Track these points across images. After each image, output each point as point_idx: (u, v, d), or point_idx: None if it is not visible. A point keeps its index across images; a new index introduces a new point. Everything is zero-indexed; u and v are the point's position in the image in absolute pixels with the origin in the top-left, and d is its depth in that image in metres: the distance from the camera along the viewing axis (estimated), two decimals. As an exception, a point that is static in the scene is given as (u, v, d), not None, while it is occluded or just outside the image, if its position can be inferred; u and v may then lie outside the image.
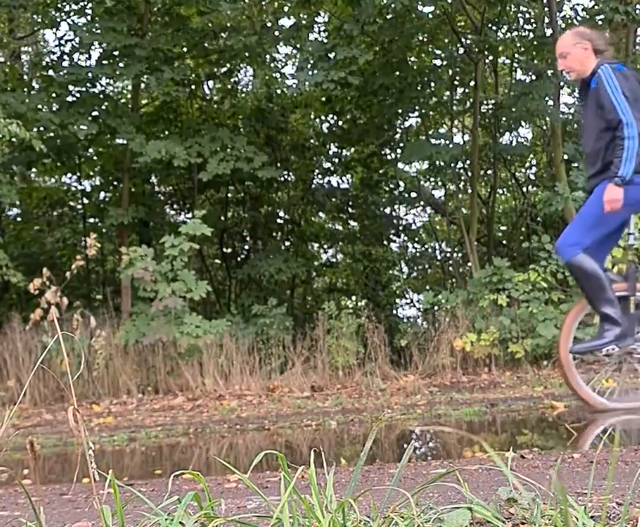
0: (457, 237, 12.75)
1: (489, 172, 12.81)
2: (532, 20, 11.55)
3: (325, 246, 13.51)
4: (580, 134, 4.24)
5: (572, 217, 9.20)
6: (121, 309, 9.31)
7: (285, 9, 10.82)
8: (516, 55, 12.26)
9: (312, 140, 12.35)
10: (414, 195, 13.14)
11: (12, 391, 7.07)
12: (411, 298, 13.11)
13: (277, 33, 10.17)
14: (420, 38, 11.20)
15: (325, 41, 10.37)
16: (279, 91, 11.92)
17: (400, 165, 12.33)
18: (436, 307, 9.15)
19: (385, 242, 13.07)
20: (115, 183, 11.74)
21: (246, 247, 12.94)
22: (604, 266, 4.28)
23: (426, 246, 13.99)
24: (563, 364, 4.39)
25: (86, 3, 9.97)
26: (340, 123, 12.45)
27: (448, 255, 13.17)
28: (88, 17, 10.05)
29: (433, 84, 11.44)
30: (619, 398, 4.37)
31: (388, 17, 9.83)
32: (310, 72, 9.07)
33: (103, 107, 10.09)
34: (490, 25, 10.84)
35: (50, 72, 10.21)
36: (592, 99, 4.09)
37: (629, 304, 4.22)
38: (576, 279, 4.28)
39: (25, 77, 11.38)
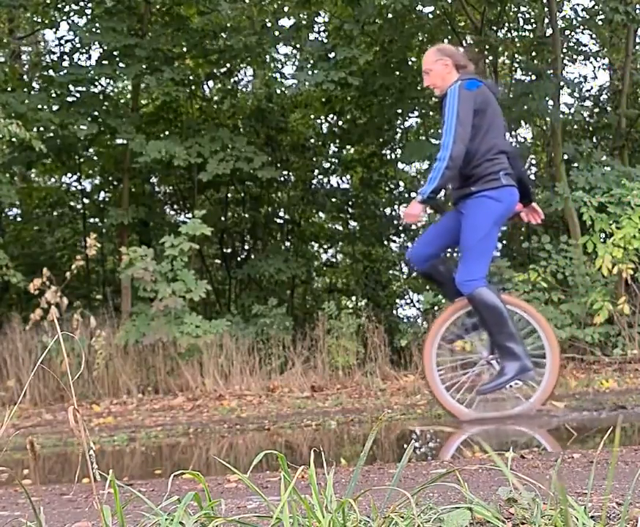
0: (457, 237, 12.73)
1: (489, 172, 12.79)
2: (532, 20, 11.55)
3: (325, 246, 13.51)
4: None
5: (573, 216, 9.26)
6: (121, 309, 9.32)
7: (285, 9, 10.82)
8: (516, 56, 12.26)
9: (312, 140, 12.35)
10: (414, 195, 13.13)
11: (12, 391, 7.07)
12: (411, 299, 13.11)
13: (277, 33, 10.16)
14: (420, 38, 11.20)
15: (325, 41, 10.37)
16: (279, 91, 11.92)
17: (400, 165, 12.33)
18: (436, 307, 9.14)
19: (385, 242, 13.06)
20: (115, 183, 11.74)
21: (246, 247, 12.94)
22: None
23: (426, 246, 13.96)
24: (427, 373, 4.45)
25: (86, 3, 9.97)
26: (340, 123, 12.45)
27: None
28: (89, 17, 10.06)
29: (433, 84, 11.42)
30: (482, 408, 4.43)
31: (388, 17, 9.84)
32: (310, 72, 9.07)
33: (103, 107, 10.09)
34: (490, 25, 10.85)
35: (50, 72, 10.20)
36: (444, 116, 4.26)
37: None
38: (479, 312, 4.27)
39: (25, 77, 11.37)
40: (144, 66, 9.35)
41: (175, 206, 12.88)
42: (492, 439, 3.83)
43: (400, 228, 13.32)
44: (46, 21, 10.78)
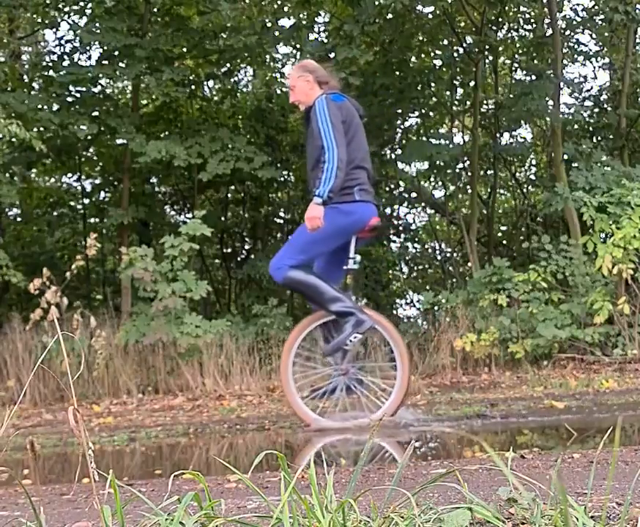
0: (457, 237, 12.75)
1: (489, 172, 12.81)
2: (532, 20, 11.56)
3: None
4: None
5: (573, 217, 9.26)
6: (121, 309, 9.31)
7: (285, 9, 10.82)
8: (516, 56, 12.26)
9: (312, 140, 12.33)
10: (414, 195, 13.13)
11: (12, 391, 7.07)
12: (411, 298, 13.11)
13: (277, 33, 10.16)
14: (420, 38, 11.20)
15: (325, 41, 10.37)
16: (279, 91, 11.92)
17: (400, 165, 12.32)
18: (436, 307, 9.15)
19: (385, 242, 13.06)
20: (115, 183, 11.74)
21: (246, 247, 12.93)
22: (338, 288, 4.45)
23: (426, 246, 13.99)
24: (283, 381, 4.55)
25: (86, 3, 9.97)
26: (340, 123, 12.42)
27: (448, 255, 13.17)
28: (89, 17, 10.05)
29: (433, 84, 11.44)
30: (336, 417, 4.49)
31: (388, 17, 9.83)
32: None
33: (103, 107, 10.09)
34: (490, 25, 10.85)
35: (51, 72, 10.20)
36: (310, 128, 4.37)
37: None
38: (299, 293, 4.57)
39: (25, 77, 11.37)
40: (144, 67, 9.34)
41: (175, 206, 12.88)
42: (342, 448, 3.88)
43: (401, 228, 13.33)
44: (46, 21, 10.78)
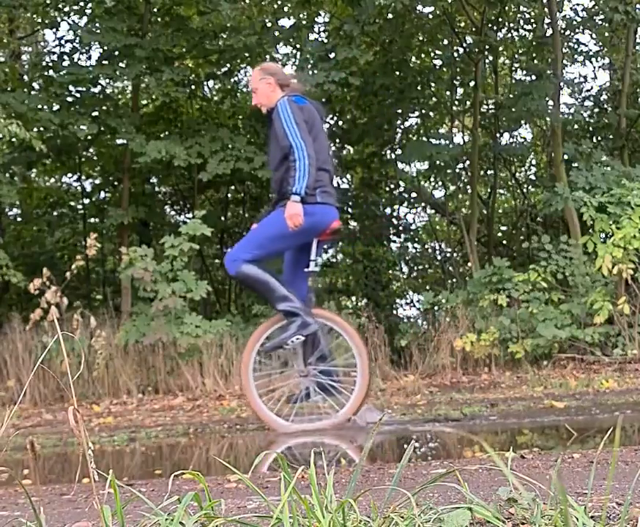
0: (457, 237, 12.75)
1: (489, 172, 12.82)
2: (532, 20, 11.56)
3: (325, 246, 13.48)
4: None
5: (573, 217, 9.27)
6: (121, 309, 9.31)
7: (285, 9, 10.82)
8: (516, 56, 12.26)
9: (312, 140, 12.33)
10: (414, 195, 13.13)
11: (12, 391, 7.07)
12: (411, 299, 13.11)
13: (277, 33, 10.17)
14: (420, 38, 11.20)
15: (325, 41, 10.37)
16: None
17: (400, 165, 12.32)
18: (436, 307, 9.15)
19: (385, 242, 13.06)
20: (115, 183, 11.74)
21: (246, 247, 12.91)
22: (305, 290, 4.54)
23: (426, 246, 13.99)
24: (244, 385, 4.58)
25: (86, 3, 9.97)
26: (340, 123, 12.44)
27: (448, 255, 13.17)
28: (89, 17, 10.05)
29: (433, 84, 11.44)
30: (299, 420, 4.51)
31: (388, 17, 9.84)
32: (310, 73, 9.07)
33: (103, 107, 10.09)
34: (490, 25, 10.85)
35: (50, 72, 10.20)
36: (272, 130, 4.41)
37: None
38: (250, 288, 4.68)
39: (25, 77, 11.37)
40: (144, 67, 9.34)
41: (175, 206, 12.88)
42: (305, 450, 3.90)
43: (401, 228, 13.33)
44: (46, 21, 10.78)
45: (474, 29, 10.84)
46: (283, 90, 4.49)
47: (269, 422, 4.49)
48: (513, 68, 12.71)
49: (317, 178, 4.34)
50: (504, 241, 13.21)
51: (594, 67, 13.11)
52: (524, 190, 13.17)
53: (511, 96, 11.22)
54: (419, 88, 11.14)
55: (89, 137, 10.15)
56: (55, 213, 12.17)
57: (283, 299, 4.35)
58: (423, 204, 13.51)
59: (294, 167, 4.23)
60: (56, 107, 9.51)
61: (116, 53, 9.60)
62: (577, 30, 11.15)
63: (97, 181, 12.22)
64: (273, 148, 4.47)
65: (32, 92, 10.10)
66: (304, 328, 4.33)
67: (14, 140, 8.42)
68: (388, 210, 13.13)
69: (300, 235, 4.34)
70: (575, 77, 12.49)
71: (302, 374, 4.54)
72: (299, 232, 4.30)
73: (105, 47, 9.77)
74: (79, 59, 10.54)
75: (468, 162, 11.77)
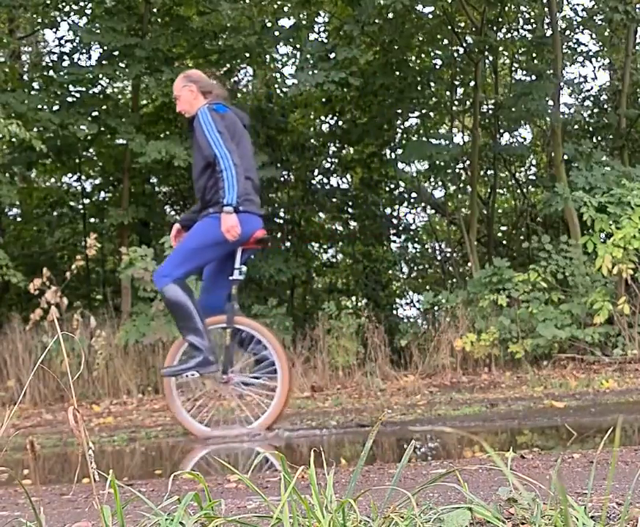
0: (457, 237, 12.75)
1: (489, 172, 12.82)
2: (532, 20, 11.56)
3: (325, 246, 13.51)
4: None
5: (573, 217, 9.26)
6: (121, 309, 9.31)
7: (285, 9, 10.82)
8: (516, 56, 12.27)
9: (312, 140, 12.35)
10: (414, 195, 13.14)
11: (12, 391, 7.07)
12: (411, 299, 13.12)
13: (277, 33, 10.16)
14: (420, 38, 11.20)
15: (325, 41, 10.37)
16: (279, 91, 11.92)
17: (400, 165, 12.32)
18: (436, 307, 9.15)
19: (385, 242, 13.06)
20: (115, 183, 11.74)
21: (246, 247, 12.90)
22: (224, 298, 4.50)
23: (426, 246, 13.99)
24: (167, 394, 4.60)
25: (86, 3, 9.97)
26: (340, 123, 12.45)
27: (448, 255, 13.17)
28: (89, 17, 10.05)
29: (433, 84, 11.44)
30: (220, 426, 4.57)
31: (388, 17, 9.84)
32: (310, 73, 9.07)
33: (103, 107, 10.09)
34: (490, 25, 10.85)
35: (50, 72, 10.20)
36: (194, 138, 4.40)
37: (225, 335, 4.47)
38: (167, 308, 4.62)
39: (25, 77, 11.38)
40: (144, 67, 9.34)
41: (175, 206, 12.88)
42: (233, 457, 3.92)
43: (401, 228, 13.33)
44: (46, 21, 10.77)
45: (474, 29, 10.83)
46: (206, 97, 4.45)
47: (190, 428, 4.52)
48: (513, 68, 12.71)
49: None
50: (504, 241, 13.21)
51: (594, 67, 13.13)
52: (524, 190, 13.17)
53: (511, 96, 11.22)
54: (419, 88, 11.14)
55: (89, 137, 10.15)
56: (55, 213, 12.17)
57: (194, 332, 4.33)
58: (423, 204, 13.51)
59: (222, 177, 4.19)
60: (56, 107, 9.51)
61: (116, 53, 9.60)
62: (577, 30, 11.16)
63: (97, 181, 12.22)
64: (196, 156, 4.44)
65: (32, 92, 10.09)
66: (203, 366, 4.34)
67: (14, 140, 8.42)
68: (388, 210, 13.13)
69: (224, 244, 4.30)
70: (575, 77, 12.50)
71: (222, 381, 4.56)
72: (223, 241, 4.26)
73: (105, 47, 9.77)
74: (79, 59, 10.54)
75: (468, 162, 11.77)
